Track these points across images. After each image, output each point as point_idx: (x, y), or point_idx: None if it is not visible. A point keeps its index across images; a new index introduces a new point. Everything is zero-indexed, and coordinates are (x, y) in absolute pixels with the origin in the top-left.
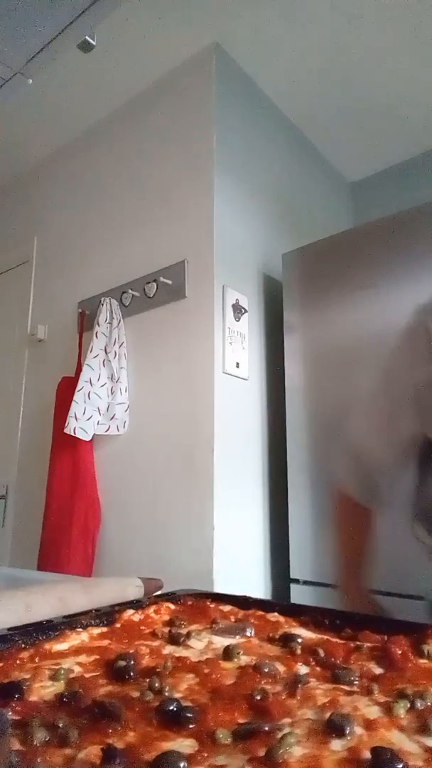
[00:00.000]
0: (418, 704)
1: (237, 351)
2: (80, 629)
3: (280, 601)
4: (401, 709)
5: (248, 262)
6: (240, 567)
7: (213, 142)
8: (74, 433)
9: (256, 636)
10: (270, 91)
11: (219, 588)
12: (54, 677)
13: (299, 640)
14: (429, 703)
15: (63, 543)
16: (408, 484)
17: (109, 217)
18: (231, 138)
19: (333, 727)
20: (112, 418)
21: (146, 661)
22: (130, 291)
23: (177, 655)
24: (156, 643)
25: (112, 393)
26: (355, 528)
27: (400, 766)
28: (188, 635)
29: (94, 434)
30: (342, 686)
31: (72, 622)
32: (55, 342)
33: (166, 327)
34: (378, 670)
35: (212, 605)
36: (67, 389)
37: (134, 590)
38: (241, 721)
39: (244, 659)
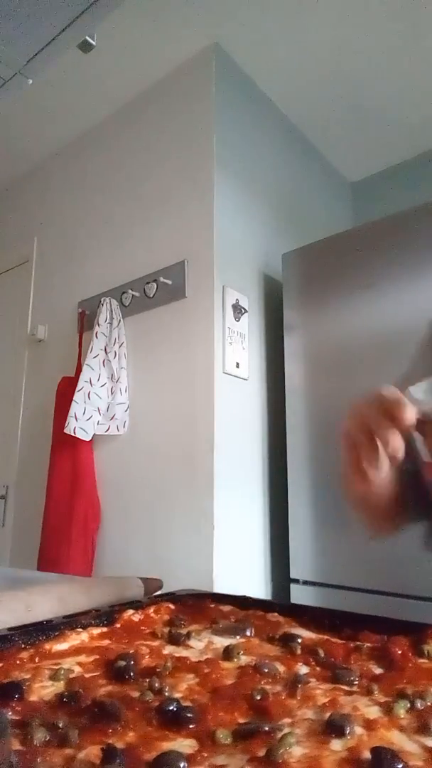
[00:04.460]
0: (418, 704)
1: (237, 351)
2: (80, 629)
3: (280, 601)
4: (401, 709)
5: (248, 262)
6: (240, 567)
7: (213, 143)
8: (74, 433)
9: (256, 636)
10: (270, 91)
11: (219, 588)
12: (54, 677)
13: (299, 640)
14: (429, 703)
15: (63, 543)
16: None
17: (109, 217)
18: (231, 138)
19: (333, 727)
20: (112, 418)
21: (146, 661)
22: (130, 291)
23: (177, 655)
24: (156, 643)
25: (112, 393)
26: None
27: (400, 766)
28: (188, 635)
29: (94, 434)
30: (342, 686)
31: (72, 622)
32: (55, 342)
33: (166, 327)
34: (378, 670)
35: (212, 605)
36: (67, 389)
37: (134, 590)
38: (241, 721)
39: (244, 659)
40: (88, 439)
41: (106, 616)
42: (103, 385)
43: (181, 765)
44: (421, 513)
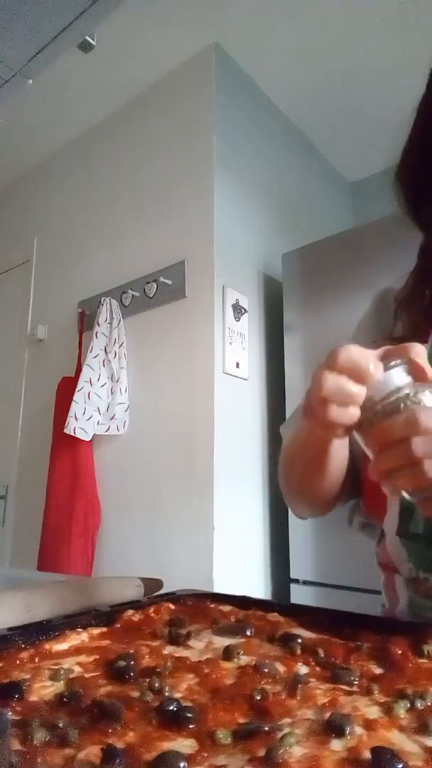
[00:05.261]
0: (418, 704)
1: (237, 351)
2: (80, 629)
3: (280, 601)
4: (401, 709)
5: (248, 262)
6: (240, 567)
7: (213, 143)
8: (74, 433)
9: (256, 636)
10: (270, 91)
11: (219, 588)
12: (54, 677)
13: (299, 640)
14: (429, 703)
15: (63, 543)
16: None
17: (109, 217)
18: (231, 138)
19: (333, 727)
20: (112, 418)
21: (146, 661)
22: (130, 291)
23: (177, 655)
24: (156, 643)
25: (112, 393)
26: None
27: (400, 766)
28: (188, 635)
29: (94, 434)
30: (342, 686)
31: (72, 622)
32: (55, 342)
33: (166, 327)
34: (378, 670)
35: (212, 605)
36: (67, 389)
37: (134, 590)
38: (241, 721)
39: (244, 659)
40: (88, 439)
41: (106, 616)
42: (103, 385)
43: (181, 765)
44: (353, 494)
